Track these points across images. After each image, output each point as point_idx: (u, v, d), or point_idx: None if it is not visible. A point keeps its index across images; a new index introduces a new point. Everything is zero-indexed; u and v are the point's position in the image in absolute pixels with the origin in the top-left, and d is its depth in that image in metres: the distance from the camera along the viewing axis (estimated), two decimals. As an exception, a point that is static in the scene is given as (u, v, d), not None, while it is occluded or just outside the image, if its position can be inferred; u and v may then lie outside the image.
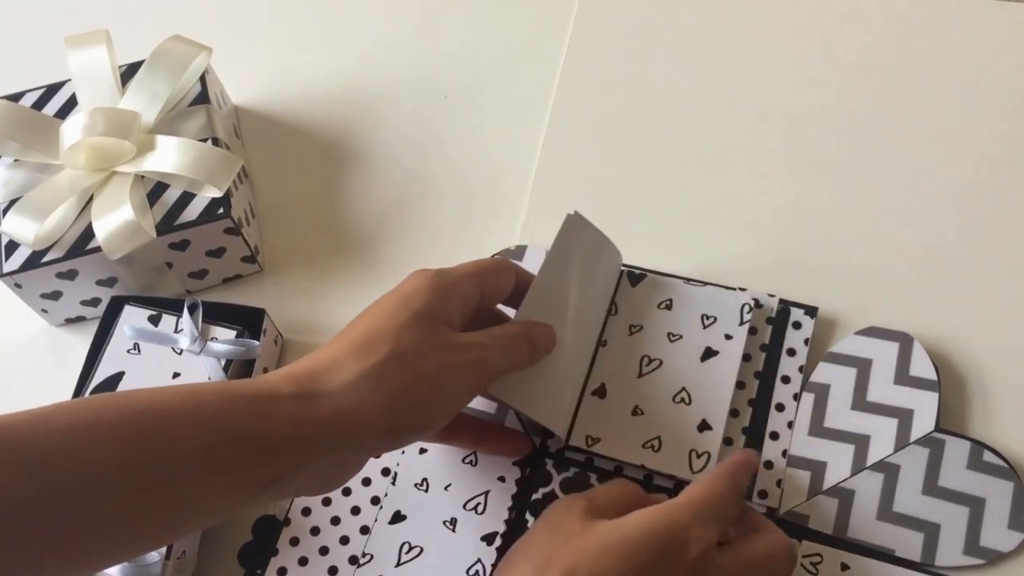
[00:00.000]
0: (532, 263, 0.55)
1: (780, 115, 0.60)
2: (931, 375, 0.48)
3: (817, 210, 0.56)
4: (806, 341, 0.50)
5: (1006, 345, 0.50)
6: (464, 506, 0.48)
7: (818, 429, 0.48)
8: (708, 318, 0.50)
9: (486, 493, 0.48)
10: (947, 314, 0.51)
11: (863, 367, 0.49)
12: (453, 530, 0.47)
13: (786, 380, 0.49)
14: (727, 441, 0.48)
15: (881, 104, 0.59)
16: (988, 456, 0.46)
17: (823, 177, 0.57)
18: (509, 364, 0.43)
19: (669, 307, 0.51)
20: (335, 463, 0.38)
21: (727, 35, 0.63)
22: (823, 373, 0.49)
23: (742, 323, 0.50)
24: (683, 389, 0.49)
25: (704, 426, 0.48)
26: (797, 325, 0.51)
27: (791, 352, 0.50)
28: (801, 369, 0.49)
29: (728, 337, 0.50)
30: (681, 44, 0.64)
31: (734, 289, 0.51)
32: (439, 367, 0.39)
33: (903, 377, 0.48)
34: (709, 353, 0.49)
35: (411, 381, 0.38)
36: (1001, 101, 0.58)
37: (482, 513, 0.48)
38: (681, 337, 0.50)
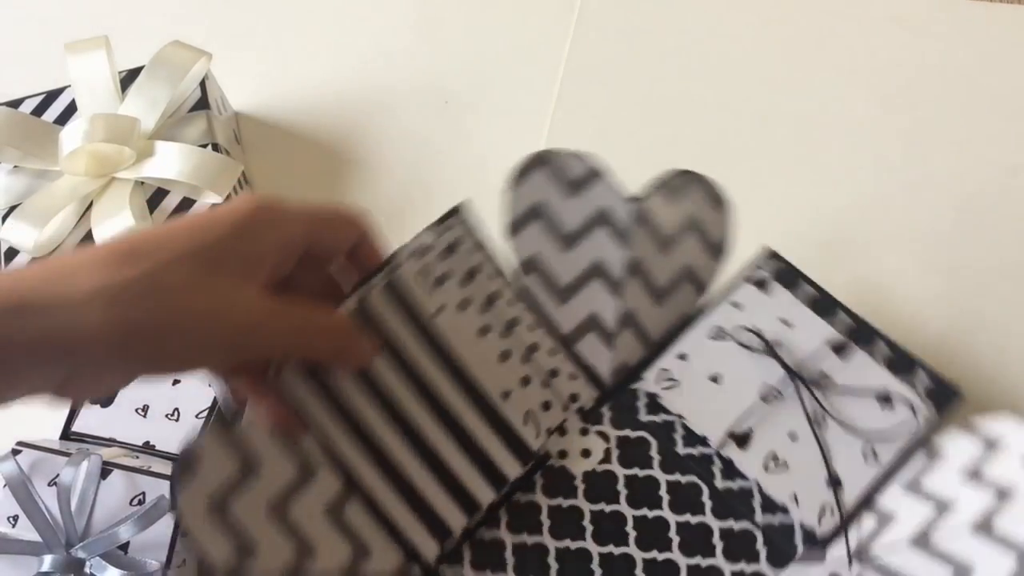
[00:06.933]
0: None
1: (782, 117, 0.60)
2: None
3: (817, 212, 0.56)
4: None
5: None
6: None
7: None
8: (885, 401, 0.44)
9: None
10: None
11: None
12: None
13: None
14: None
15: (889, 108, 0.59)
16: None
17: (829, 180, 0.57)
18: (295, 349, 0.36)
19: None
20: (59, 377, 0.32)
21: (728, 39, 0.63)
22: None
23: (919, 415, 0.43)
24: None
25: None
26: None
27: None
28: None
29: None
30: (682, 49, 0.63)
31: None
32: (199, 312, 0.32)
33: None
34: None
35: (155, 314, 0.31)
36: (1006, 105, 0.58)
37: None
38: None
